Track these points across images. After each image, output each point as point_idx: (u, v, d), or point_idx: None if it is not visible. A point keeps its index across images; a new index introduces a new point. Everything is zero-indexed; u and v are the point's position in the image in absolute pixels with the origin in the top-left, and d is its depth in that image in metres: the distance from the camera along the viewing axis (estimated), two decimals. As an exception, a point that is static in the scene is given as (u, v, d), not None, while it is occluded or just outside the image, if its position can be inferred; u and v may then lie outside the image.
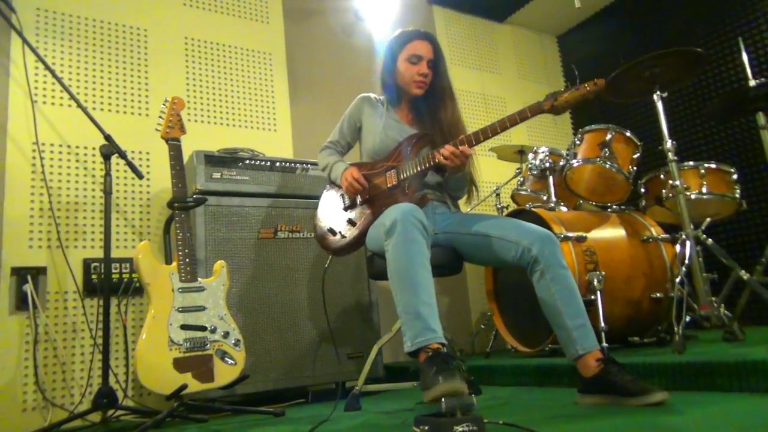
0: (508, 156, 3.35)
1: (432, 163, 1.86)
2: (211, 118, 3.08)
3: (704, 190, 2.54)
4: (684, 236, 2.27)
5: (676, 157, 2.34)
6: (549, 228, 2.25)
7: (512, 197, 3.22)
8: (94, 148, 2.67)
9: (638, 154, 2.68)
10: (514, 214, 2.73)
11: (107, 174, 2.22)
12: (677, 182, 2.31)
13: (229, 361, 2.04)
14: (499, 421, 1.35)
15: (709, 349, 2.06)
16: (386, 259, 1.61)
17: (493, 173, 3.76)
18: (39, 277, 2.43)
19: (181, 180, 2.17)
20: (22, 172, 2.52)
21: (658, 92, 2.36)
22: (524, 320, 2.69)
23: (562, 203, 2.79)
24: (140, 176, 2.28)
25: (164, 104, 2.26)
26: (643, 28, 4.08)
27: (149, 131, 2.79)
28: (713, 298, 2.20)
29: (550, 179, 2.81)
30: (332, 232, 2.06)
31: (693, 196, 2.53)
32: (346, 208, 2.06)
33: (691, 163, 2.60)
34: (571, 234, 2.42)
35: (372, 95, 2.21)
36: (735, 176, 2.61)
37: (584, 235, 2.44)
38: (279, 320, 2.47)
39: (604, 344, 2.13)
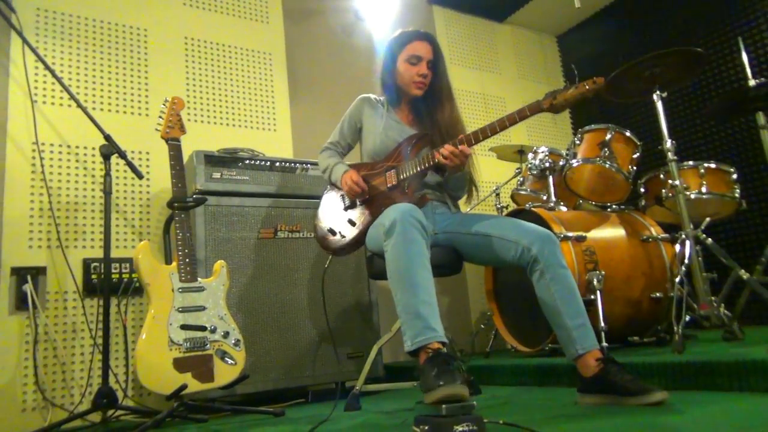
0: (507, 156, 3.35)
1: (431, 162, 1.86)
2: (210, 118, 3.08)
3: (704, 189, 2.54)
4: (684, 236, 2.28)
5: (675, 157, 2.34)
6: (549, 228, 2.25)
7: (512, 197, 3.22)
8: (93, 148, 2.67)
9: (638, 154, 2.68)
10: (514, 214, 2.73)
11: (107, 174, 2.22)
12: (677, 182, 2.31)
13: (229, 361, 2.04)
14: (499, 421, 1.35)
15: (709, 348, 2.06)
16: (386, 259, 1.60)
17: (492, 173, 3.76)
18: (39, 277, 2.43)
19: (181, 180, 2.17)
20: (21, 172, 2.52)
21: (658, 92, 2.36)
22: (524, 320, 2.69)
23: (561, 203, 2.79)
24: (140, 176, 2.28)
25: (164, 104, 2.27)
26: (642, 28, 4.08)
27: (149, 131, 2.79)
28: (713, 298, 2.20)
29: (550, 179, 2.81)
30: (332, 232, 2.06)
31: (693, 196, 2.53)
32: (346, 209, 2.06)
33: (690, 162, 2.60)
34: (570, 234, 2.42)
35: (372, 96, 2.21)
36: (735, 176, 2.61)
37: (584, 234, 2.44)
38: (279, 320, 2.47)
39: (604, 344, 2.14)
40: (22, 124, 2.55)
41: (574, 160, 2.69)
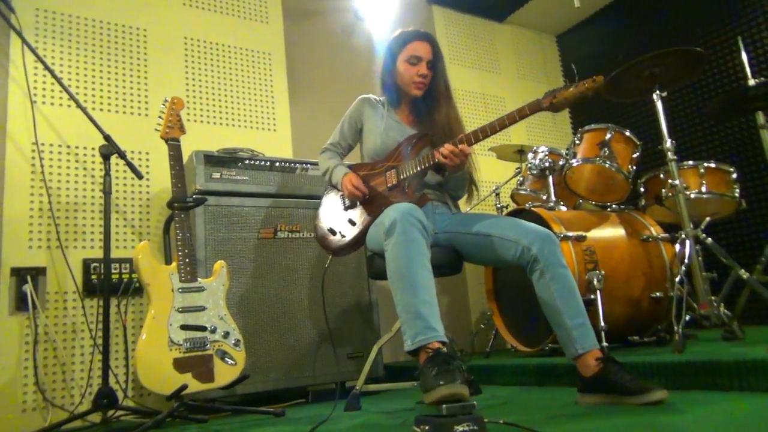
0: (507, 155, 3.35)
1: (431, 162, 1.86)
2: (210, 118, 3.08)
3: (704, 189, 2.54)
4: (683, 235, 2.28)
5: (675, 157, 2.34)
6: (549, 227, 2.25)
7: (512, 197, 3.23)
8: (93, 149, 2.66)
9: (638, 154, 2.68)
10: (514, 214, 2.73)
11: (107, 174, 2.22)
12: (677, 181, 2.31)
13: (229, 361, 2.04)
14: (500, 421, 1.35)
15: (709, 348, 2.06)
16: (386, 259, 1.60)
17: (492, 173, 3.76)
18: (39, 278, 2.43)
19: (181, 180, 2.17)
20: (21, 172, 2.52)
21: (658, 92, 2.36)
22: (524, 320, 2.69)
23: (561, 203, 2.79)
24: (140, 176, 2.28)
25: (164, 104, 2.27)
26: (642, 28, 4.08)
27: (149, 131, 2.79)
28: (713, 298, 2.20)
29: (550, 179, 2.81)
30: (332, 232, 2.06)
31: (692, 196, 2.53)
32: (346, 208, 2.06)
33: (690, 162, 2.60)
34: (570, 233, 2.42)
35: (372, 96, 2.21)
36: (734, 175, 2.61)
37: (584, 234, 2.44)
38: (279, 320, 2.46)
39: (604, 344, 2.14)
40: (21, 125, 2.55)
41: (573, 160, 2.69)
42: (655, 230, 2.64)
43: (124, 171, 2.69)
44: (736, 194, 2.59)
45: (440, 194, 2.06)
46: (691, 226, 2.27)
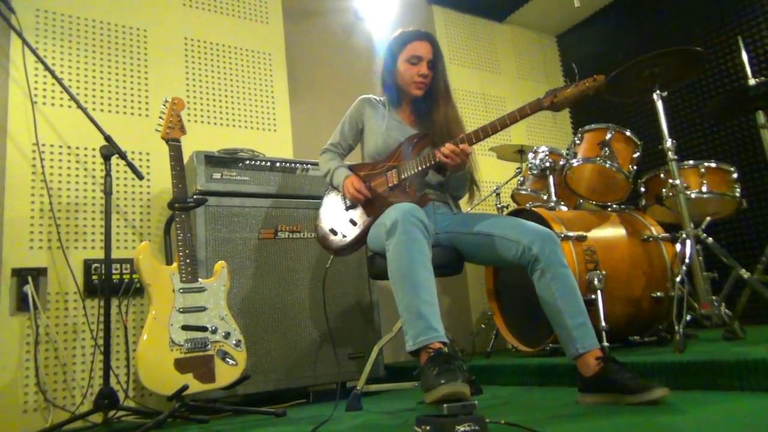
0: (507, 155, 3.35)
1: (433, 162, 1.86)
2: (211, 119, 3.08)
3: (704, 189, 2.54)
4: (684, 235, 2.28)
5: (676, 156, 2.34)
6: (549, 227, 2.25)
7: (512, 197, 3.23)
8: (94, 149, 2.67)
9: (638, 153, 2.68)
10: (515, 214, 2.73)
11: (107, 174, 2.22)
12: (677, 181, 2.31)
13: (230, 361, 2.04)
14: (501, 421, 1.35)
15: (710, 348, 2.06)
16: (387, 259, 1.61)
17: (493, 173, 3.76)
18: (39, 278, 2.43)
19: (182, 180, 2.17)
20: (22, 172, 2.52)
21: (658, 91, 2.36)
22: (525, 320, 2.69)
23: (562, 202, 2.79)
24: (140, 177, 2.28)
25: (164, 105, 2.27)
26: (642, 28, 4.08)
27: (149, 132, 2.79)
28: (714, 297, 2.20)
29: (550, 179, 2.81)
30: (333, 232, 2.06)
31: (693, 195, 2.53)
32: (347, 209, 2.06)
33: (691, 162, 2.60)
34: (571, 233, 2.42)
35: (372, 96, 2.21)
36: (735, 175, 2.61)
37: (584, 234, 2.44)
38: (280, 321, 2.47)
39: (605, 344, 2.14)
40: (22, 125, 2.55)
41: (574, 160, 2.69)
42: (655, 230, 2.64)
43: (125, 171, 2.69)
44: (737, 194, 2.59)
45: (441, 194, 2.06)
46: (692, 225, 2.27)
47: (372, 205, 1.98)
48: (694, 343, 2.30)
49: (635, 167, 2.69)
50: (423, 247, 1.58)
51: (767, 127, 2.45)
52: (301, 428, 1.74)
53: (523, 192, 3.08)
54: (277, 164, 2.64)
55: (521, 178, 3.13)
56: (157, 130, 2.26)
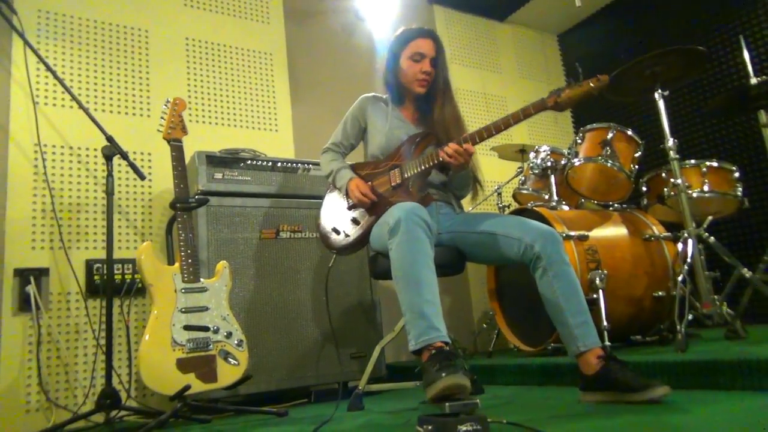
0: (509, 155, 3.35)
1: (436, 161, 1.86)
2: (212, 119, 3.08)
3: (706, 188, 2.54)
4: (686, 234, 2.27)
5: (677, 156, 2.33)
6: (551, 227, 2.25)
7: (514, 196, 3.22)
8: (95, 149, 2.67)
9: (640, 153, 2.68)
10: (516, 213, 2.72)
11: (109, 175, 2.22)
12: (679, 180, 2.31)
13: (232, 361, 2.04)
14: (503, 421, 1.35)
15: (712, 347, 2.06)
16: (390, 258, 1.61)
17: (494, 172, 3.76)
18: (42, 278, 2.43)
19: (183, 181, 2.18)
20: (24, 173, 2.52)
21: (660, 90, 2.36)
22: (526, 319, 2.69)
23: (563, 202, 2.79)
24: (142, 177, 2.28)
25: (166, 105, 2.27)
26: (643, 27, 4.08)
27: (151, 132, 2.79)
28: (715, 297, 2.20)
29: (552, 178, 2.81)
30: (336, 231, 2.06)
31: (695, 195, 2.53)
32: (349, 207, 2.06)
33: (692, 161, 2.60)
34: (573, 233, 2.42)
35: (375, 94, 2.21)
36: (737, 174, 2.61)
37: (586, 233, 2.44)
38: (281, 320, 2.47)
39: (607, 343, 2.14)
40: (24, 126, 2.55)
41: (575, 159, 2.69)
42: (657, 229, 2.64)
43: (127, 172, 2.70)
44: (739, 193, 2.59)
45: (444, 194, 2.06)
46: (694, 225, 2.27)
47: (374, 204, 1.98)
48: (695, 342, 2.29)
49: (637, 166, 2.69)
50: (426, 246, 1.58)
51: (769, 126, 2.45)
52: (303, 428, 1.74)
53: (525, 191, 3.08)
54: (279, 164, 2.64)
55: (522, 178, 3.13)
56: (158, 130, 2.26)
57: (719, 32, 3.56)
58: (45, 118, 2.61)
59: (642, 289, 2.48)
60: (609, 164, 2.60)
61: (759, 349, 1.74)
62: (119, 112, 2.82)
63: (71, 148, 2.65)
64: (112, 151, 2.21)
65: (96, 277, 2.52)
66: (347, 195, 2.05)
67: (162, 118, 2.25)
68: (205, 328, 2.03)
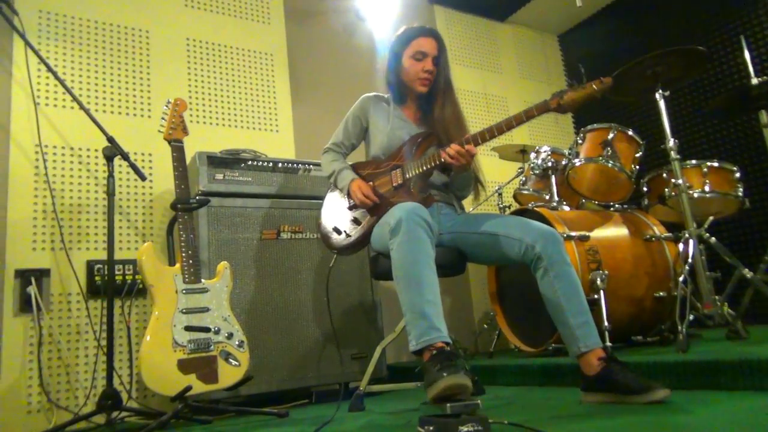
0: (509, 155, 3.35)
1: (437, 162, 1.86)
2: (213, 120, 3.08)
3: (707, 188, 2.54)
4: (687, 235, 2.27)
5: (678, 156, 2.33)
6: (552, 227, 2.25)
7: (514, 197, 3.22)
8: (96, 150, 2.67)
9: (641, 153, 2.68)
10: (517, 214, 2.72)
11: (110, 176, 2.22)
12: (680, 181, 2.31)
13: (233, 362, 2.04)
14: (504, 421, 1.35)
15: (713, 347, 2.06)
16: (391, 258, 1.61)
17: (495, 173, 3.76)
18: (43, 279, 2.43)
19: (184, 181, 2.18)
20: (25, 174, 2.52)
21: (660, 91, 2.36)
22: (527, 320, 2.69)
23: (564, 202, 2.79)
24: (143, 178, 2.28)
25: (167, 106, 2.27)
26: (644, 27, 4.08)
27: (152, 133, 2.79)
28: (716, 297, 2.20)
29: (553, 178, 2.81)
30: (337, 231, 2.06)
31: (696, 195, 2.53)
32: (350, 207, 2.06)
33: (693, 161, 2.60)
34: (573, 233, 2.42)
35: (376, 93, 2.20)
36: (738, 174, 2.61)
37: (587, 234, 2.44)
38: (282, 321, 2.47)
39: (608, 343, 2.13)
40: (25, 127, 2.55)
41: (576, 160, 2.69)
42: (658, 230, 2.64)
43: (128, 172, 2.70)
44: (740, 193, 2.59)
45: (446, 195, 2.06)
46: (695, 225, 2.27)
47: (376, 204, 1.98)
48: (697, 342, 2.29)
49: (638, 167, 2.69)
50: (427, 246, 1.58)
51: (770, 126, 2.45)
52: (304, 429, 1.74)
53: (525, 192, 3.08)
54: (279, 165, 2.65)
55: (523, 178, 3.13)
56: (159, 131, 2.26)
57: (720, 32, 3.56)
58: (46, 118, 2.61)
59: (643, 290, 2.48)
60: (610, 165, 2.60)
61: (760, 349, 1.74)
62: (120, 113, 2.82)
63: (72, 148, 2.65)
64: (112, 151, 2.21)
65: (97, 278, 2.52)
66: (349, 196, 2.05)
67: (163, 118, 2.25)
68: (206, 329, 2.03)
